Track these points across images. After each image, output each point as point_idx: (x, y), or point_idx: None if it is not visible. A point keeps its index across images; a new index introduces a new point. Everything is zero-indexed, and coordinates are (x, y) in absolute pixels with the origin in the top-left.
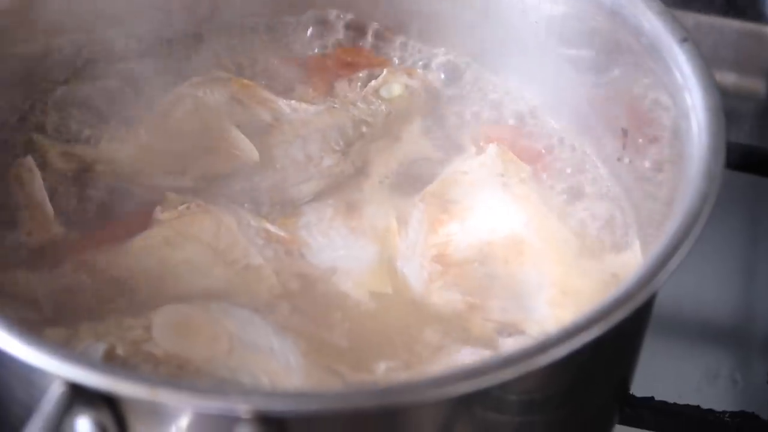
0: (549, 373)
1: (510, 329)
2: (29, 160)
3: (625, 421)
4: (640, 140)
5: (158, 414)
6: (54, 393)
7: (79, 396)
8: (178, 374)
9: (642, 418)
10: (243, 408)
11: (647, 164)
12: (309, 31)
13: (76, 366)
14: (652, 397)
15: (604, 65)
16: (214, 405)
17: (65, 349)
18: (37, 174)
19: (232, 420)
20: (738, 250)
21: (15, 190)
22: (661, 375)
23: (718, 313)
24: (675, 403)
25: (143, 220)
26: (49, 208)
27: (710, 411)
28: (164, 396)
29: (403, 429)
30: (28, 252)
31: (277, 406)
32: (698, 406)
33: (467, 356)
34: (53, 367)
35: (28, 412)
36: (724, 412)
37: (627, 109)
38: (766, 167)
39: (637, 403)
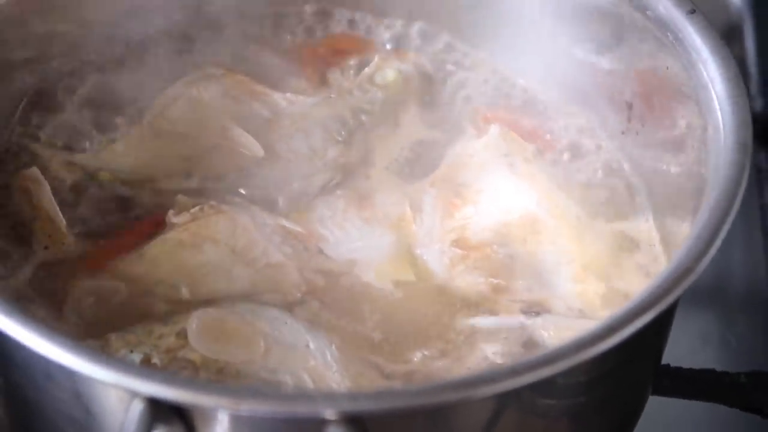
0: (600, 358)
1: (536, 308)
2: (35, 171)
3: None
4: (650, 113)
5: (235, 423)
6: (135, 411)
7: (156, 411)
8: (218, 379)
9: (661, 386)
10: (329, 411)
11: (659, 136)
12: (296, 22)
13: (157, 382)
14: (668, 365)
15: (605, 40)
16: (301, 410)
17: (143, 366)
18: (45, 185)
19: (316, 424)
20: None
21: (22, 203)
22: None
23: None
24: (690, 368)
25: (156, 226)
26: (60, 219)
27: (725, 373)
28: (249, 406)
29: (463, 419)
30: (46, 266)
31: (364, 407)
32: (713, 370)
33: (502, 340)
34: (134, 385)
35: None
36: (738, 374)
37: (633, 83)
38: None
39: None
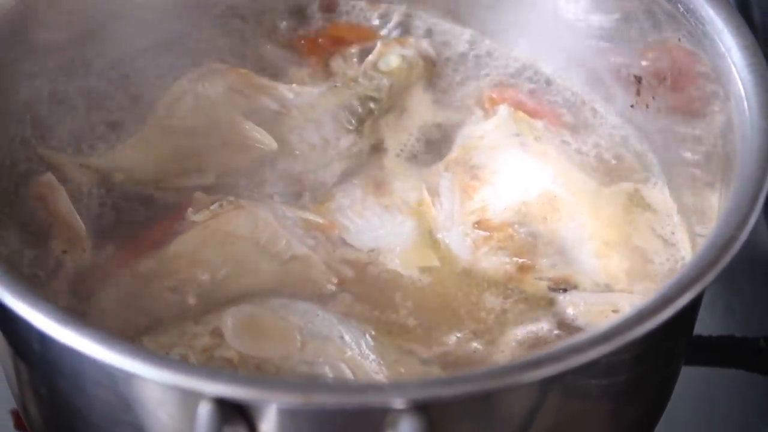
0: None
1: (563, 284)
2: (50, 177)
3: None
4: (661, 86)
5: (295, 417)
6: (203, 413)
7: (224, 412)
8: (258, 375)
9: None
10: (398, 401)
11: (672, 108)
12: (294, 13)
13: (225, 382)
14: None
15: (611, 13)
16: (371, 401)
17: (208, 367)
18: (62, 190)
19: (382, 414)
20: None
21: (38, 211)
22: None
23: None
24: (710, 336)
25: (176, 224)
26: (79, 224)
27: (744, 339)
28: (319, 399)
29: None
30: (68, 273)
31: (434, 394)
32: (732, 336)
33: (533, 318)
34: (201, 386)
35: None
36: (757, 339)
37: (642, 56)
38: None
39: None
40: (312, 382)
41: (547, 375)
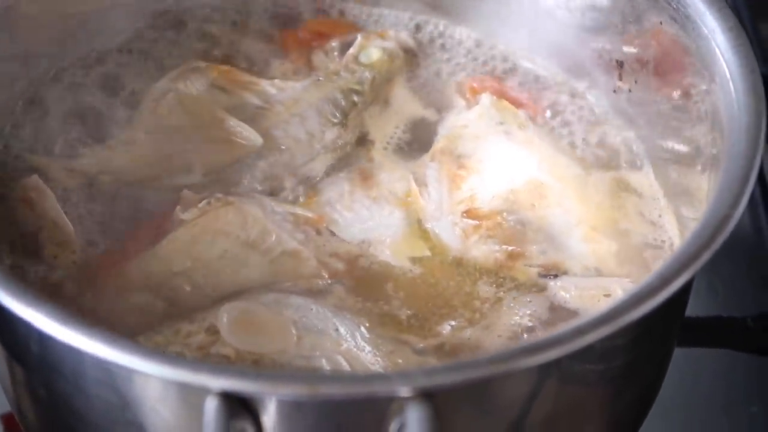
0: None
1: (553, 270)
2: (35, 180)
3: None
4: (643, 70)
5: (299, 409)
6: (210, 407)
7: (230, 406)
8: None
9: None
10: (405, 389)
11: (656, 92)
12: (274, 8)
13: (231, 376)
14: None
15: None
16: (378, 390)
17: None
18: (49, 193)
19: (388, 402)
20: None
21: (25, 215)
22: None
23: None
24: (697, 317)
25: (165, 224)
26: (68, 226)
27: (733, 318)
28: (326, 390)
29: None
30: (60, 276)
31: (440, 381)
32: (720, 316)
33: (526, 304)
34: (208, 381)
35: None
36: (744, 318)
37: (622, 41)
38: None
39: None
40: (318, 374)
41: (553, 358)
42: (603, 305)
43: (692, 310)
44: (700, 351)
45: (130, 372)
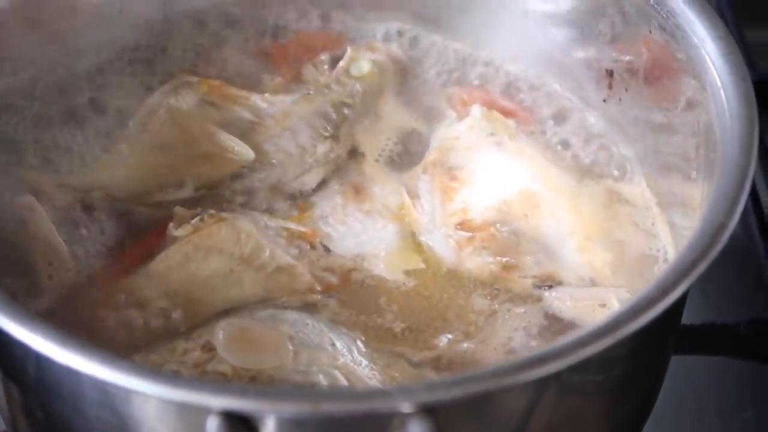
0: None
1: (548, 281)
2: (29, 199)
3: None
4: (633, 79)
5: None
6: (212, 427)
7: (231, 425)
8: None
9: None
10: (406, 405)
11: (647, 101)
12: (263, 22)
13: (232, 395)
14: None
15: (577, 8)
16: (379, 407)
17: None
18: (42, 211)
19: (389, 419)
20: None
21: (18, 234)
22: None
23: None
24: (692, 324)
25: (157, 241)
26: (61, 245)
27: (725, 325)
28: (327, 407)
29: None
30: (53, 295)
31: (441, 396)
32: (714, 323)
33: (522, 316)
34: (209, 401)
35: None
36: (737, 324)
37: (612, 50)
38: None
39: None
40: (319, 391)
41: (554, 371)
42: (599, 315)
43: (685, 317)
44: (694, 357)
45: (128, 392)
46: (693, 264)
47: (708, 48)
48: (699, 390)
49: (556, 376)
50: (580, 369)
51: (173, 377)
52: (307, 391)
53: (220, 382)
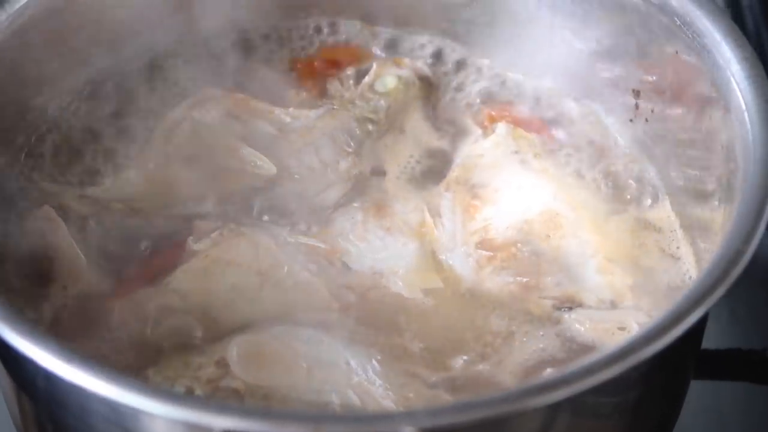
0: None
1: (568, 303)
2: (48, 210)
3: None
4: (660, 99)
5: None
6: None
7: None
8: (266, 404)
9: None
10: (408, 429)
11: (672, 121)
12: (289, 37)
13: (234, 415)
14: None
15: (605, 27)
16: (382, 430)
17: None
18: (61, 223)
19: None
20: None
21: (37, 244)
22: None
23: None
24: (717, 349)
25: (177, 254)
26: (79, 256)
27: (753, 351)
28: (330, 429)
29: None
30: (69, 307)
31: (443, 421)
32: (739, 348)
33: (540, 338)
34: (211, 421)
35: None
36: (763, 350)
37: (639, 70)
38: None
39: None
40: (322, 413)
41: (560, 398)
42: (618, 339)
43: (713, 338)
44: (719, 383)
45: (135, 411)
46: (710, 290)
47: (733, 69)
48: (725, 414)
49: (568, 400)
50: (593, 392)
51: (178, 396)
52: (309, 413)
53: (226, 402)
